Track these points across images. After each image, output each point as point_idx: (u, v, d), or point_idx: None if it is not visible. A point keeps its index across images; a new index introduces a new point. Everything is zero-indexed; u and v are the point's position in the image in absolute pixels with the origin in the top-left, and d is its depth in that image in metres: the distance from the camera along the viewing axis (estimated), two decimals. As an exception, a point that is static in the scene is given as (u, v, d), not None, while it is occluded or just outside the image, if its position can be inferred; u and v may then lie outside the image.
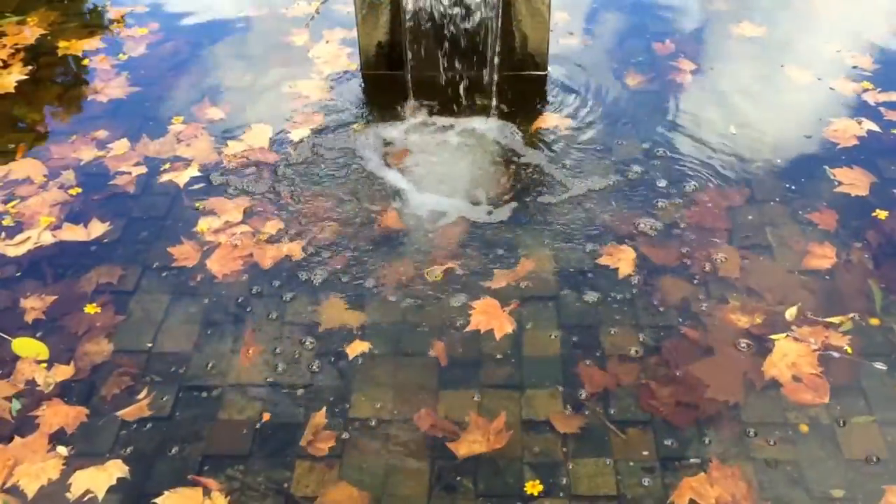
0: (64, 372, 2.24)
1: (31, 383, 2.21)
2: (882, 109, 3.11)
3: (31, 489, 1.98)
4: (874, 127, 3.02)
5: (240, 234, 2.63)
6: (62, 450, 2.05)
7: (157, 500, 1.95)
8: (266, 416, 2.12)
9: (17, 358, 2.27)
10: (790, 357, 2.22)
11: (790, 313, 2.31)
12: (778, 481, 1.98)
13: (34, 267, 2.55)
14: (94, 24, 3.77)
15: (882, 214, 2.66)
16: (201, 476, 2.00)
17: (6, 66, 3.45)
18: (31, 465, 2.02)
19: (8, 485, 2.00)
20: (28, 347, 2.29)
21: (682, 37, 3.58)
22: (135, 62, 3.50)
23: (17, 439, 2.09)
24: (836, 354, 2.23)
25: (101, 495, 1.97)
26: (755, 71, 3.36)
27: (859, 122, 3.02)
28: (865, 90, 3.21)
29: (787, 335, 2.27)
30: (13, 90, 3.32)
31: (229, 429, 2.11)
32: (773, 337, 2.26)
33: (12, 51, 3.54)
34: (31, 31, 3.66)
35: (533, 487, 1.96)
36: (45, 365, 2.25)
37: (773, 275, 2.47)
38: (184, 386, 2.21)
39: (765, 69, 3.37)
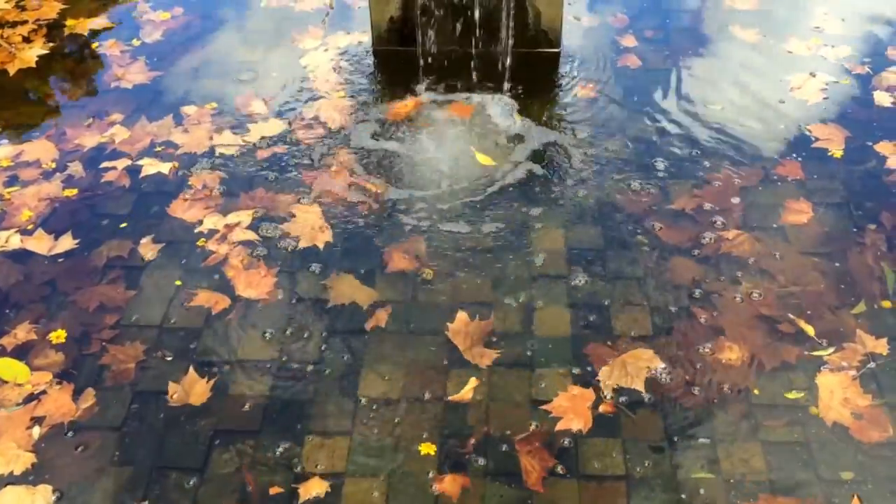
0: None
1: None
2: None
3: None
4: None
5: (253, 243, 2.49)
6: (36, 431, 1.96)
7: None
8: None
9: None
10: (838, 393, 2.00)
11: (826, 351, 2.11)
12: (787, 463, 1.87)
13: None
14: (109, 2, 3.60)
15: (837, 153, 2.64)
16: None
17: (28, 41, 3.32)
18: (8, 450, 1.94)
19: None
20: (7, 369, 2.09)
21: (681, 14, 3.42)
22: (154, 47, 3.29)
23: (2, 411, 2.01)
24: (872, 365, 2.06)
25: None
26: (752, 45, 3.23)
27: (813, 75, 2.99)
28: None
29: (823, 368, 2.06)
30: (34, 65, 3.20)
31: (240, 404, 2.02)
32: (816, 380, 2.04)
33: (34, 26, 3.41)
34: (51, 7, 3.52)
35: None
36: (30, 386, 2.05)
37: (786, 255, 2.35)
38: (196, 361, 2.12)
39: (759, 42, 3.24)
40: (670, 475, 1.86)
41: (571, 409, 1.97)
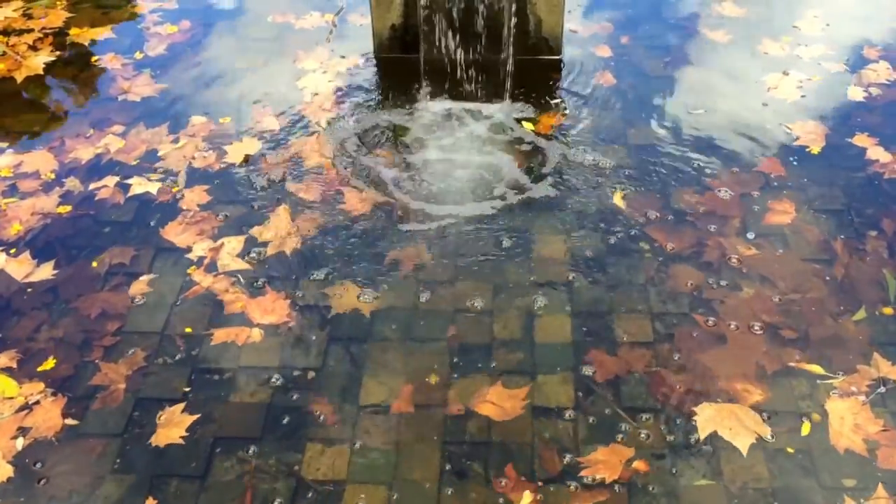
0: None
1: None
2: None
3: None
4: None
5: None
6: (19, 442, 1.93)
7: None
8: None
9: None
10: (849, 420, 1.92)
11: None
12: (789, 470, 1.84)
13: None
14: (115, 12, 3.55)
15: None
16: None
17: (34, 49, 3.30)
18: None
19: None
20: None
21: (677, 21, 3.38)
22: (159, 60, 3.23)
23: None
24: (882, 389, 1.99)
25: None
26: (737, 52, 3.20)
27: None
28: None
29: (832, 393, 1.98)
30: (41, 72, 3.17)
31: (241, 411, 2.00)
32: (825, 406, 1.96)
33: (40, 35, 3.38)
34: (57, 16, 3.49)
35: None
36: (22, 398, 2.02)
37: (785, 262, 2.31)
38: (196, 368, 2.10)
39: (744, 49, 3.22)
40: (672, 483, 1.83)
41: (604, 464, 1.87)
